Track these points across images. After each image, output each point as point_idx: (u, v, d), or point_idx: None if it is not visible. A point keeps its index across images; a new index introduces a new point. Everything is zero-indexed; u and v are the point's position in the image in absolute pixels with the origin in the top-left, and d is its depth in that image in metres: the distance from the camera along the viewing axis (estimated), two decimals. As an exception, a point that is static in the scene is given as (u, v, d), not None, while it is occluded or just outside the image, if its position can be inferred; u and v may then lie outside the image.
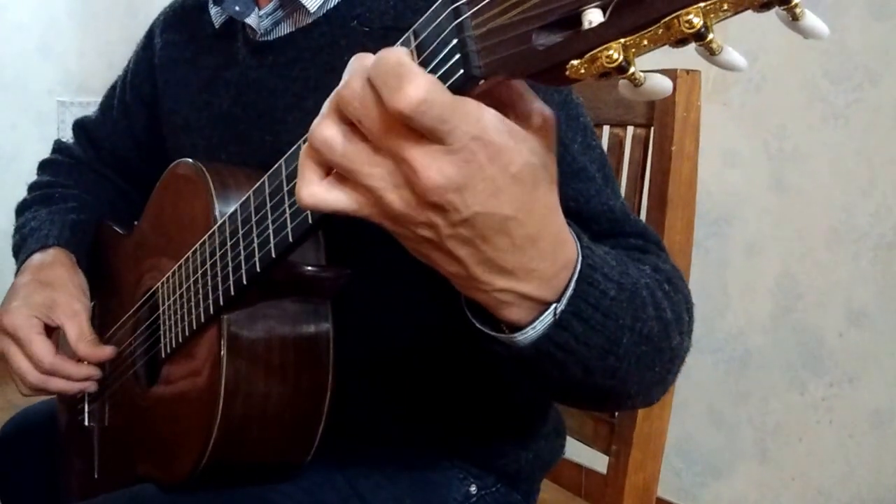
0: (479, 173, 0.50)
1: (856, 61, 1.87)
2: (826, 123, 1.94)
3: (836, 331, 1.95)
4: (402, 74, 0.48)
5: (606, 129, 1.27)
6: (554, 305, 0.60)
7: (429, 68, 0.50)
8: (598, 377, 0.65)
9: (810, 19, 0.46)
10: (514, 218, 0.53)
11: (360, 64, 0.51)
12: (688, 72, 1.11)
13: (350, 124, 0.52)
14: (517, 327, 0.60)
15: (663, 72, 1.14)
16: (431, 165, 0.50)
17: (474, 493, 0.98)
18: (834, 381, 1.96)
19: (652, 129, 1.16)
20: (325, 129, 0.52)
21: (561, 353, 0.62)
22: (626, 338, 0.65)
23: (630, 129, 1.21)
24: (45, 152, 1.33)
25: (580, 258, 0.61)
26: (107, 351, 1.04)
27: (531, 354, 0.61)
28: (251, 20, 0.95)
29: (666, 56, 0.54)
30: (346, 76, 0.51)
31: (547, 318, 0.60)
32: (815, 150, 1.97)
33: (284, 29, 0.95)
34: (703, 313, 2.17)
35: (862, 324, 1.91)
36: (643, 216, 1.17)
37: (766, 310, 2.09)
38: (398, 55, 0.49)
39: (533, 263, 0.57)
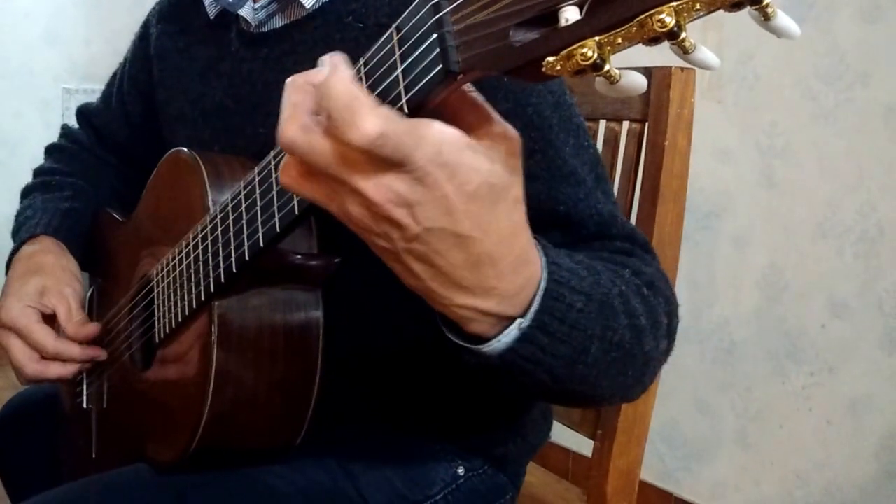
0: (433, 190, 0.51)
1: (847, 62, 1.89)
2: (816, 122, 1.96)
3: (819, 322, 1.98)
4: (355, 109, 0.49)
5: (603, 123, 1.29)
6: (519, 321, 0.60)
7: (408, 62, 0.51)
8: (567, 384, 0.66)
9: (782, 19, 0.47)
10: (470, 236, 0.54)
11: (293, 110, 0.52)
12: (682, 69, 1.12)
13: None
14: (483, 338, 0.61)
15: (658, 69, 1.16)
16: (381, 183, 0.51)
17: (462, 474, 0.99)
18: (815, 370, 1.99)
19: (646, 124, 1.17)
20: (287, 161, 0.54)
21: (528, 364, 0.62)
22: (595, 347, 0.66)
23: (626, 123, 1.23)
24: (50, 139, 1.35)
25: (546, 273, 0.61)
26: (92, 328, 1.05)
27: (497, 364, 0.62)
28: (245, 12, 0.95)
29: (661, 54, 0.55)
30: (285, 111, 0.53)
31: (512, 331, 0.60)
32: (804, 147, 1.99)
33: (278, 22, 0.95)
34: (690, 304, 2.21)
35: (843, 316, 1.93)
36: (635, 209, 1.19)
37: (752, 301, 2.11)
38: (348, 88, 0.50)
39: (492, 282, 0.57)
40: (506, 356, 0.61)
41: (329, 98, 0.50)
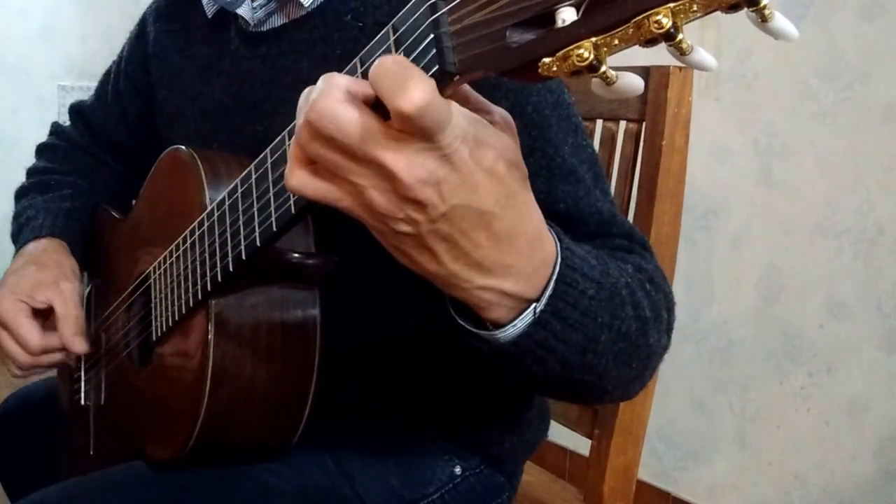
0: (459, 167, 0.52)
1: (845, 61, 1.89)
2: (814, 121, 1.96)
3: (817, 322, 1.98)
4: (408, 77, 0.49)
5: (600, 122, 1.29)
6: (534, 305, 0.61)
7: None
8: (576, 373, 0.67)
9: (779, 21, 0.47)
10: (492, 212, 0.55)
11: (327, 84, 0.52)
12: (680, 69, 1.13)
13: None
14: (498, 325, 0.62)
15: (656, 69, 1.16)
16: (413, 162, 0.51)
17: (459, 473, 1.00)
18: (813, 370, 1.99)
19: (644, 123, 1.17)
20: (311, 146, 0.53)
21: (540, 350, 0.63)
22: (605, 335, 0.66)
23: (622, 123, 1.23)
24: (46, 137, 1.34)
25: (559, 258, 0.62)
26: (83, 346, 1.05)
27: (511, 350, 0.63)
28: (243, 11, 0.95)
29: (658, 53, 0.55)
30: (315, 94, 0.52)
31: (527, 316, 0.61)
32: (802, 146, 1.99)
33: (277, 20, 0.95)
34: (688, 304, 2.21)
35: (841, 316, 1.93)
36: (632, 208, 1.19)
37: (750, 301, 2.11)
38: (397, 58, 0.50)
39: (510, 259, 0.58)
40: (520, 342, 0.62)
41: (380, 67, 0.50)
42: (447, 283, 0.59)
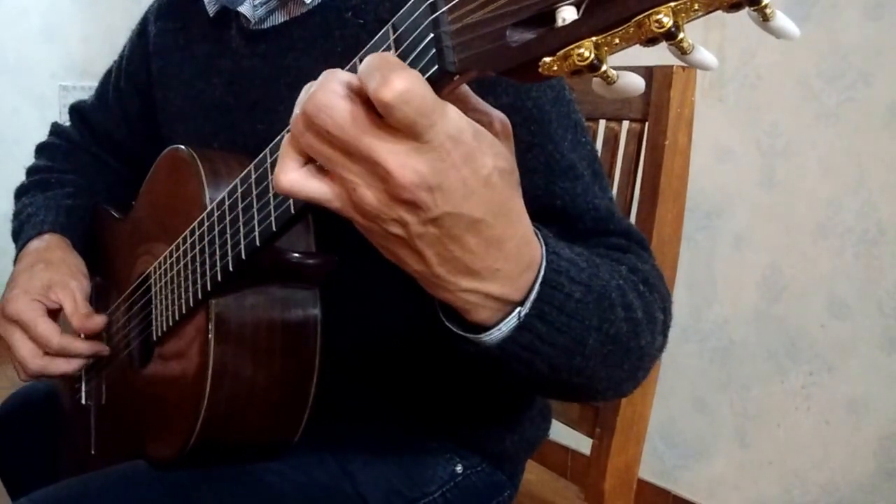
0: (452, 174, 0.52)
1: (849, 61, 1.89)
2: (818, 121, 1.95)
3: (818, 322, 1.98)
4: (389, 67, 0.49)
5: (603, 122, 1.29)
6: (518, 309, 0.61)
7: (406, 62, 0.51)
8: (564, 375, 0.67)
9: (781, 20, 0.47)
10: (483, 220, 0.55)
11: (327, 78, 0.52)
12: (683, 69, 1.13)
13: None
14: (484, 327, 0.62)
15: (659, 68, 1.15)
16: (406, 164, 0.51)
17: (460, 472, 1.00)
18: (813, 369, 1.99)
19: (647, 123, 1.17)
20: (305, 138, 0.53)
21: (526, 353, 0.63)
22: (593, 338, 0.66)
23: (626, 123, 1.23)
24: (46, 137, 1.34)
25: (545, 261, 0.62)
26: (98, 321, 1.05)
27: (497, 354, 0.63)
28: (244, 9, 0.95)
29: (662, 53, 0.55)
30: (314, 87, 0.52)
31: (512, 320, 0.61)
32: (805, 147, 1.99)
33: (278, 18, 0.95)
34: (690, 303, 2.21)
35: (842, 316, 1.93)
36: (635, 208, 1.19)
37: (752, 301, 2.11)
38: (383, 53, 0.50)
39: (497, 264, 0.58)
40: (505, 345, 0.62)
41: (366, 62, 0.50)
42: (432, 284, 0.58)
